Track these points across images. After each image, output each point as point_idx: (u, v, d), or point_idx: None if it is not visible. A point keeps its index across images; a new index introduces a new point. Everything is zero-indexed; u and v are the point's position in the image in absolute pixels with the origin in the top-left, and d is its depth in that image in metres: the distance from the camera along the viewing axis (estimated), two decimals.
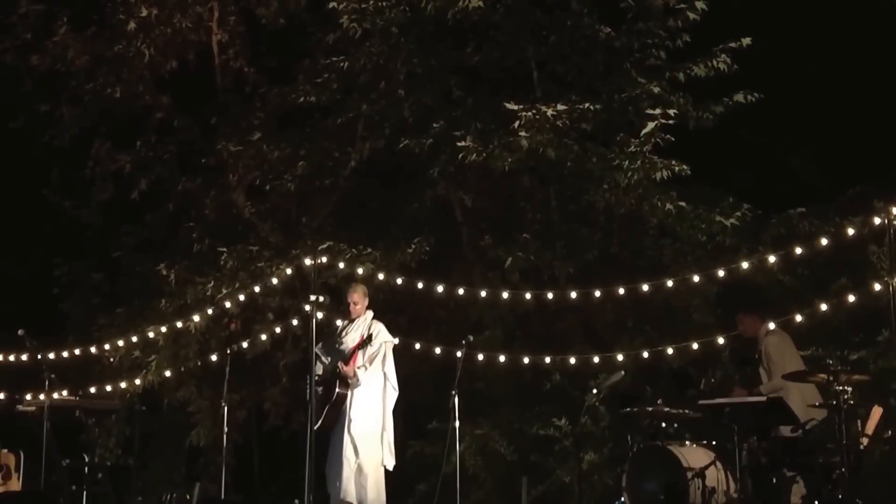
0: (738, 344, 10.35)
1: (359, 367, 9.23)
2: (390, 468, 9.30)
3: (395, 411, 9.34)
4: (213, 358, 11.61)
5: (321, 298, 9.17)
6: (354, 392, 9.20)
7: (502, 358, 11.10)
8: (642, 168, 11.51)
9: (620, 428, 10.19)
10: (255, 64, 13.25)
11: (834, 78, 13.00)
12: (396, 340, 9.57)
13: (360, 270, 11.05)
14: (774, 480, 8.49)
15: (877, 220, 9.26)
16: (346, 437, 9.13)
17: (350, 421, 9.15)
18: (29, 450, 10.34)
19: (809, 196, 11.99)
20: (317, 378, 9.30)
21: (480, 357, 10.93)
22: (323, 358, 9.46)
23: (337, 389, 9.16)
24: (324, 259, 10.72)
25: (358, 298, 9.48)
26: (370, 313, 9.53)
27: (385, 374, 9.31)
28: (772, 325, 9.55)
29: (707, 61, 11.85)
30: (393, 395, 9.33)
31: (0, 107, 13.03)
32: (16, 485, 10.32)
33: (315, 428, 9.04)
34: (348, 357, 9.27)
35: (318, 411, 9.12)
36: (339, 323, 9.61)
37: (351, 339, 9.38)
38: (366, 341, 9.15)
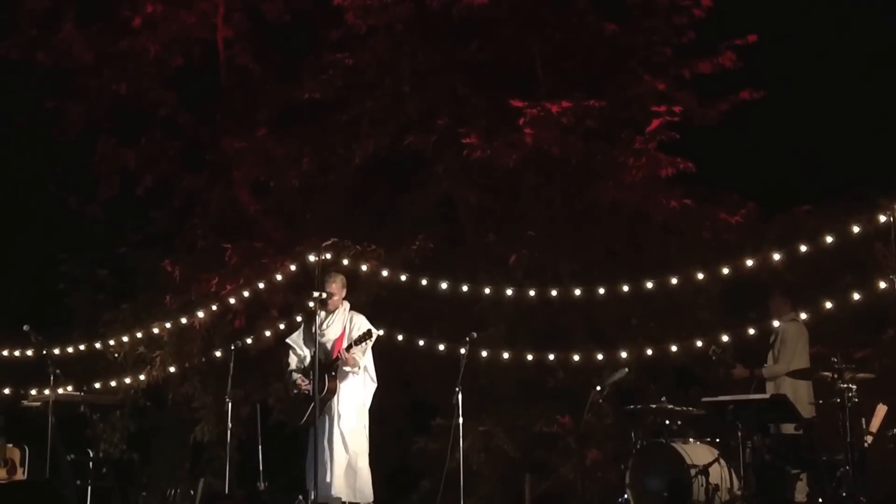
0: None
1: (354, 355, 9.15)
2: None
3: (398, 406, 9.32)
4: (218, 354, 11.64)
5: (324, 295, 9.16)
6: (342, 386, 9.12)
7: (506, 355, 11.12)
8: (647, 165, 11.52)
9: (624, 425, 10.19)
10: (259, 60, 13.24)
11: (839, 75, 12.99)
12: (381, 332, 9.46)
13: (364, 267, 11.06)
14: (778, 478, 8.49)
15: (882, 218, 9.25)
16: (337, 433, 9.06)
17: (339, 416, 9.09)
18: (34, 444, 10.37)
19: (814, 194, 11.98)
20: (294, 369, 9.29)
21: (484, 354, 10.95)
22: (299, 350, 9.39)
23: (328, 384, 9.09)
24: (328, 256, 10.72)
25: (336, 289, 9.35)
26: (347, 304, 9.43)
27: (364, 366, 9.24)
28: (804, 315, 9.62)
29: (712, 58, 11.85)
30: (371, 386, 9.28)
31: (6, 103, 13.05)
32: (21, 479, 10.34)
33: (301, 422, 9.03)
34: (332, 350, 9.19)
35: (304, 406, 9.08)
36: (323, 314, 9.34)
37: (333, 332, 9.29)
38: (365, 336, 9.07)
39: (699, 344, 10.55)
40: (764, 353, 9.79)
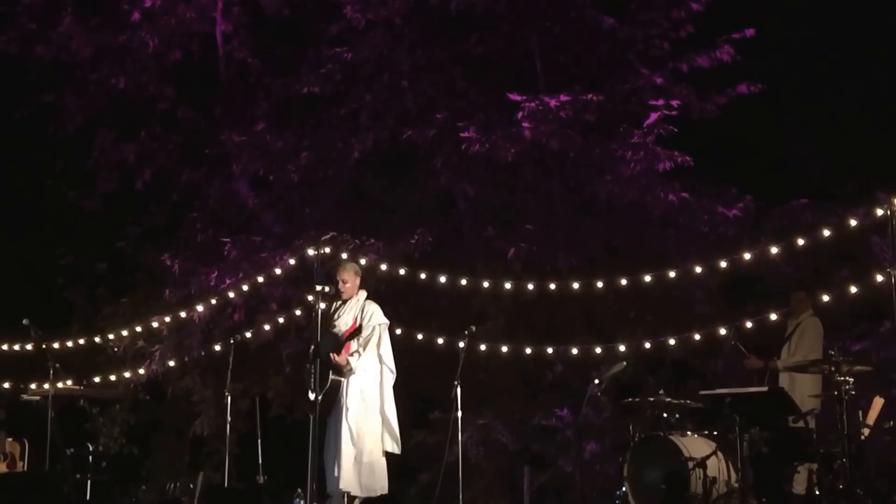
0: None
1: (352, 354, 9.11)
2: (397, 451, 9.21)
3: (397, 400, 9.30)
4: (217, 348, 11.66)
5: (326, 288, 9.15)
6: (350, 379, 9.11)
7: (505, 348, 11.15)
8: (645, 159, 11.54)
9: (622, 418, 10.22)
10: (258, 54, 13.24)
11: (837, 68, 13.01)
12: (388, 322, 9.42)
13: (362, 261, 11.07)
14: (776, 470, 8.52)
15: (879, 212, 9.28)
16: (345, 426, 9.03)
17: (347, 410, 9.05)
18: (34, 438, 10.40)
19: (812, 187, 12.01)
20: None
21: (483, 347, 10.97)
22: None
23: (331, 377, 9.07)
24: (327, 249, 10.75)
25: (348, 277, 9.28)
26: (363, 293, 9.37)
27: (381, 356, 9.18)
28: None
29: (710, 52, 11.88)
30: (390, 377, 9.21)
31: (5, 97, 13.04)
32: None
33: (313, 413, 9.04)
34: (342, 342, 9.20)
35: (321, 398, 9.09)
36: (323, 305, 9.28)
37: (344, 322, 9.24)
38: (356, 331, 9.08)
39: (697, 337, 10.59)
40: (768, 345, 9.77)
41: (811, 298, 9.73)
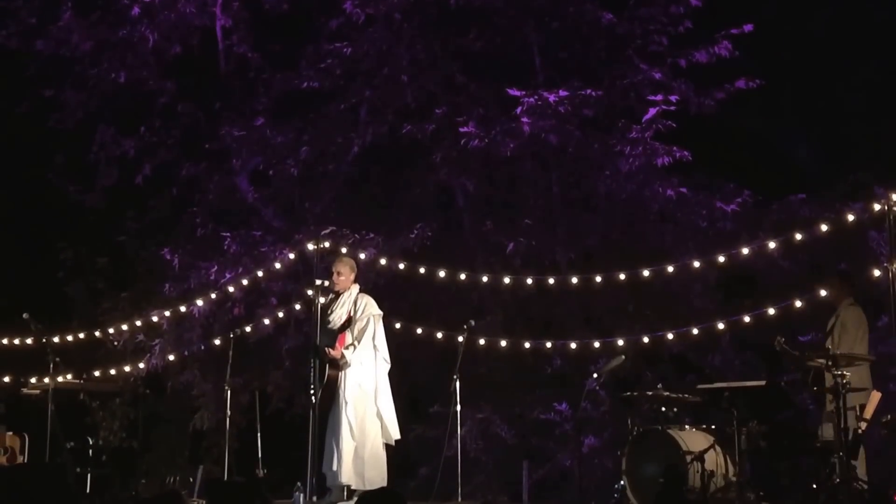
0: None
1: (347, 347, 9.19)
2: (397, 437, 9.26)
3: (396, 394, 9.34)
4: (217, 342, 11.68)
5: (326, 283, 9.20)
6: (347, 372, 9.17)
7: (503, 343, 11.18)
8: (643, 154, 11.57)
9: (620, 412, 10.25)
10: (258, 49, 13.24)
11: (835, 64, 13.03)
12: (381, 312, 9.46)
13: (362, 255, 11.11)
14: (773, 464, 8.56)
15: (876, 207, 9.30)
16: (345, 420, 9.10)
17: (346, 403, 9.13)
18: (34, 432, 10.44)
19: (810, 182, 12.04)
20: None
21: (482, 342, 11.00)
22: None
23: (327, 371, 9.14)
24: (326, 244, 10.78)
25: (343, 270, 9.35)
26: (356, 287, 9.43)
27: (375, 346, 9.25)
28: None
29: (708, 47, 11.91)
30: (384, 367, 9.27)
31: (5, 92, 13.06)
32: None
33: (314, 404, 9.08)
34: (336, 335, 9.24)
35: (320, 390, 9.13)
36: (322, 300, 9.42)
37: (338, 317, 9.31)
38: (345, 325, 9.14)
39: (695, 331, 10.63)
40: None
41: (846, 284, 9.37)
